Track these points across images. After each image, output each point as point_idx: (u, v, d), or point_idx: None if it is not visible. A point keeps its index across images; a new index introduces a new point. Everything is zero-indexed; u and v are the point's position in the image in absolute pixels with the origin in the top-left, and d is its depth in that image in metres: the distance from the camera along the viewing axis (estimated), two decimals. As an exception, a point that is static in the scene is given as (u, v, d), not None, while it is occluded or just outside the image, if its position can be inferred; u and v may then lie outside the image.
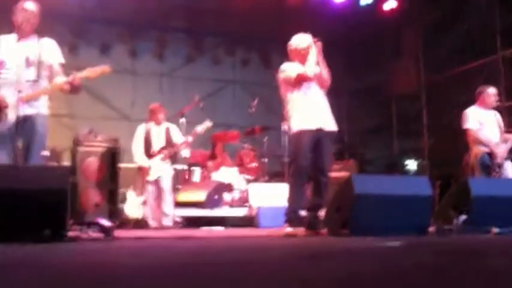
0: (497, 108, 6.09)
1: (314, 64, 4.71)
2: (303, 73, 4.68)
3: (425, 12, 9.45)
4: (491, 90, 5.97)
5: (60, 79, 4.34)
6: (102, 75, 4.41)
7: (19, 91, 4.09)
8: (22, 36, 4.35)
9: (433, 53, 9.26)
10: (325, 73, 4.81)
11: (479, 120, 5.86)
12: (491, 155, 5.70)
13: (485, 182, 5.27)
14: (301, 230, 4.57)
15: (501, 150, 5.73)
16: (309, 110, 4.69)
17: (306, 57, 4.72)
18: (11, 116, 4.11)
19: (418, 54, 9.73)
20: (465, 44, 8.43)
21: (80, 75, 4.29)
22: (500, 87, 7.64)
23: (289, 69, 4.76)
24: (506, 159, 5.73)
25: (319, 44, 4.75)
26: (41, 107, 4.33)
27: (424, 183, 4.65)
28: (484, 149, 5.75)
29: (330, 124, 4.77)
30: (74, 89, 4.29)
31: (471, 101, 6.08)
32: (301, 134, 4.62)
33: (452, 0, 8.80)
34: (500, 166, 5.66)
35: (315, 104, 4.73)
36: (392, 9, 9.56)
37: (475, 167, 5.74)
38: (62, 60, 4.50)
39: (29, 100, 4.20)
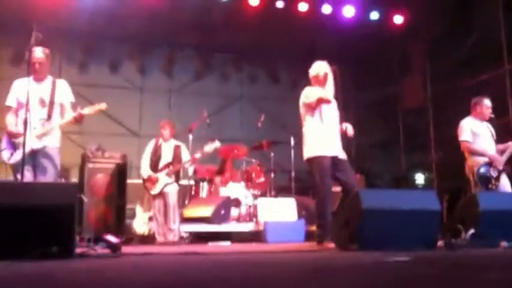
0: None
1: (332, 89, 5.24)
2: (322, 97, 5.17)
3: (431, 26, 9.47)
4: (487, 102, 5.88)
5: (68, 115, 4.93)
6: (99, 111, 5.09)
7: (34, 128, 4.70)
8: (37, 78, 4.87)
9: (440, 67, 9.25)
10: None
11: (476, 132, 5.78)
12: (490, 164, 5.61)
13: (494, 196, 5.23)
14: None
15: (501, 159, 5.62)
16: (325, 138, 5.16)
17: (324, 82, 5.26)
18: (26, 149, 4.41)
19: (425, 67, 9.74)
20: (472, 57, 8.41)
21: (83, 112, 4.90)
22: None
23: (310, 95, 5.25)
24: (502, 171, 5.62)
25: (334, 70, 5.28)
26: (53, 140, 4.87)
27: (432, 197, 4.64)
28: (482, 160, 5.67)
29: (342, 153, 5.24)
30: (77, 122, 4.96)
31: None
32: (319, 158, 5.09)
33: (459, 14, 8.81)
34: (497, 179, 5.58)
35: (330, 132, 5.21)
36: (399, 24, 9.62)
37: (472, 179, 5.67)
38: (73, 100, 5.05)
39: (41, 136, 4.78)
